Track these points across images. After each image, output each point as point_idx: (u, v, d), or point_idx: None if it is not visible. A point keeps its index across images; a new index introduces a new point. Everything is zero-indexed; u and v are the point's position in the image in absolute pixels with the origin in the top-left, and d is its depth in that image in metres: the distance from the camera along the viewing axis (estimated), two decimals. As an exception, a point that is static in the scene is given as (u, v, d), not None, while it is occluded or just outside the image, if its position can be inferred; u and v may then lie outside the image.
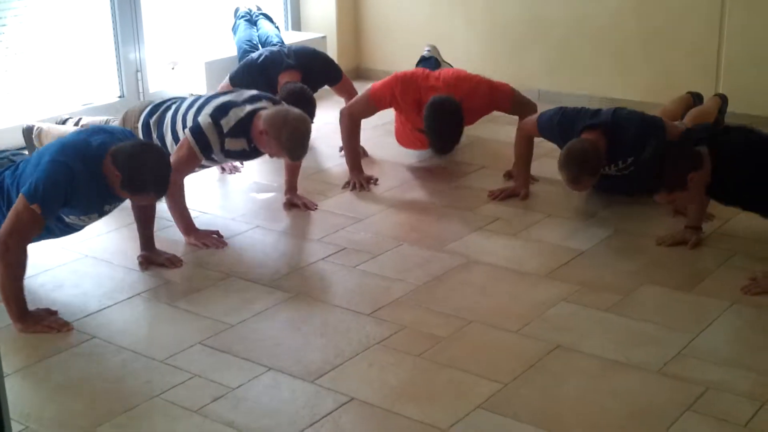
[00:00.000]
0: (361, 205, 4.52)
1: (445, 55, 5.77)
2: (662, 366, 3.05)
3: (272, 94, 4.42)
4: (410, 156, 5.15)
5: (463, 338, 3.26)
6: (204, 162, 4.18)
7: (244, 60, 5.55)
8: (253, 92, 4.16)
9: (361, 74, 6.84)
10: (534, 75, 6.15)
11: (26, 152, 4.80)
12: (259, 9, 6.33)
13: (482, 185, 4.72)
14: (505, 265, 3.82)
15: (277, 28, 6.24)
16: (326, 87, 5.51)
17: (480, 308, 3.46)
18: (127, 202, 3.68)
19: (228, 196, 4.75)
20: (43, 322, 3.34)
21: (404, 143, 5.16)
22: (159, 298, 3.61)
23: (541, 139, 4.56)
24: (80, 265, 3.88)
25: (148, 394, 2.95)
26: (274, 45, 5.79)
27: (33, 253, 3.49)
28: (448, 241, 4.07)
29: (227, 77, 5.42)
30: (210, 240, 4.05)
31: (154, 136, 4.26)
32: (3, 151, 4.68)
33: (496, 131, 5.39)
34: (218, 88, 5.38)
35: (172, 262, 3.85)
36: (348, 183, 4.76)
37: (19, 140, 4.93)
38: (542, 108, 4.68)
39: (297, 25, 6.93)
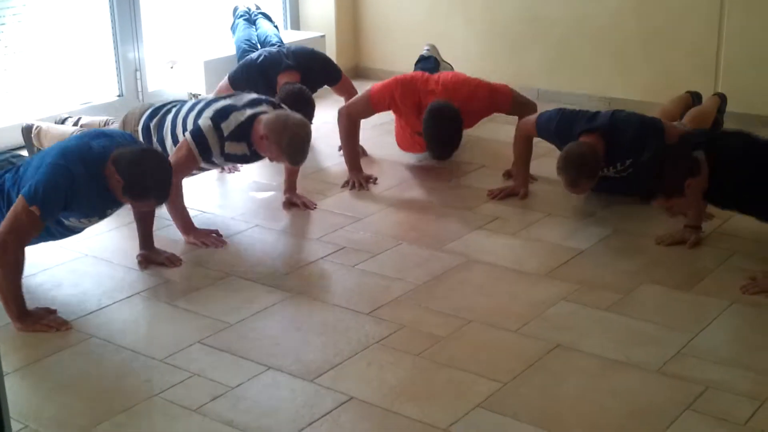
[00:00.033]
0: (360, 205, 4.52)
1: (445, 55, 5.77)
2: (662, 365, 3.05)
3: (271, 95, 4.41)
4: (410, 156, 5.15)
5: (462, 337, 3.26)
6: (204, 165, 4.18)
7: (244, 60, 5.54)
8: (254, 96, 4.16)
9: (360, 73, 6.83)
10: (533, 74, 6.15)
11: (25, 151, 4.80)
12: (258, 8, 6.32)
13: (482, 184, 4.72)
14: (504, 265, 3.82)
15: (276, 27, 6.23)
16: (326, 87, 5.51)
17: (479, 307, 3.46)
18: (128, 202, 3.69)
19: (227, 195, 4.75)
20: (42, 321, 3.34)
21: (404, 147, 5.15)
22: (158, 297, 3.61)
23: (540, 138, 4.56)
24: (79, 264, 3.88)
25: (148, 393, 2.94)
26: (273, 45, 5.78)
27: (32, 252, 3.49)
28: (447, 240, 4.07)
29: (226, 77, 5.41)
30: (209, 239, 4.05)
31: (154, 139, 4.26)
32: (2, 152, 4.68)
33: (495, 131, 5.39)
34: (217, 88, 5.39)
35: (171, 261, 3.85)
36: (347, 182, 4.76)
37: (18, 139, 4.94)
38: (542, 108, 4.68)
39: (296, 24, 6.93)
